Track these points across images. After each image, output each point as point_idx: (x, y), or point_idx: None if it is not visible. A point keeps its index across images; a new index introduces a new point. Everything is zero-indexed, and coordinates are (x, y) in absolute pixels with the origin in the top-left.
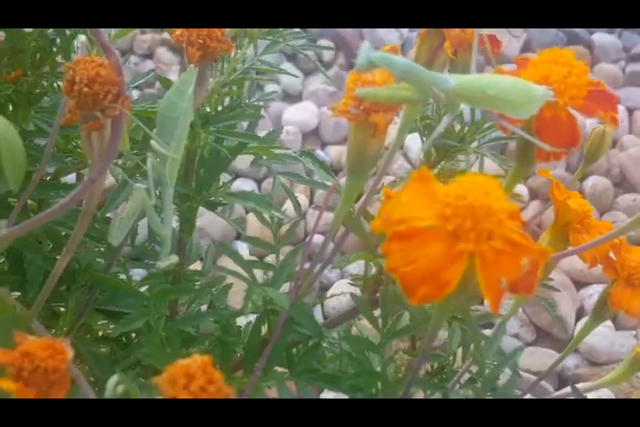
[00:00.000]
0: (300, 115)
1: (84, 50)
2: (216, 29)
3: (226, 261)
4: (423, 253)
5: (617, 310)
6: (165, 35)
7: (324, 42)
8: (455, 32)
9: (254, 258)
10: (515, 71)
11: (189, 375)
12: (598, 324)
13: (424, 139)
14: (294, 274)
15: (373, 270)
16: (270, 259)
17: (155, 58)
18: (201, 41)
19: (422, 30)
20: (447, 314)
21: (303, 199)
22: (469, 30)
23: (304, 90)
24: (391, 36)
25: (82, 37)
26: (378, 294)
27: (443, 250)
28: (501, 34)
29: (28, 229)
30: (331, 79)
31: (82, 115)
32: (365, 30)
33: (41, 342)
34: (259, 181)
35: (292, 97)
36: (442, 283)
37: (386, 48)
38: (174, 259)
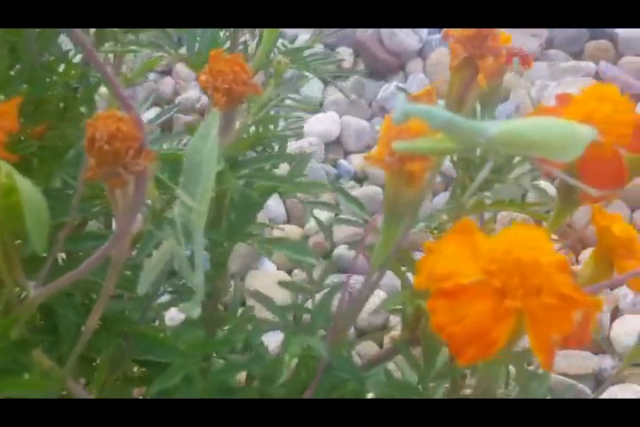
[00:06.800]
0: (321, 125)
1: (106, 101)
2: (242, 72)
3: (253, 280)
4: (469, 310)
5: None
6: (183, 50)
7: (342, 49)
8: (489, 62)
9: (282, 272)
10: (555, 108)
11: None
12: None
13: (459, 170)
14: (331, 317)
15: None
16: (298, 272)
17: (173, 74)
18: (226, 86)
19: (454, 63)
20: (494, 365)
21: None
22: (501, 58)
23: (324, 99)
24: (410, 39)
25: (103, 89)
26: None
27: (490, 307)
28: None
29: (59, 287)
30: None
31: (103, 172)
32: (385, 35)
33: None
34: None
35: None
36: (490, 342)
37: (421, 92)
38: (197, 310)
